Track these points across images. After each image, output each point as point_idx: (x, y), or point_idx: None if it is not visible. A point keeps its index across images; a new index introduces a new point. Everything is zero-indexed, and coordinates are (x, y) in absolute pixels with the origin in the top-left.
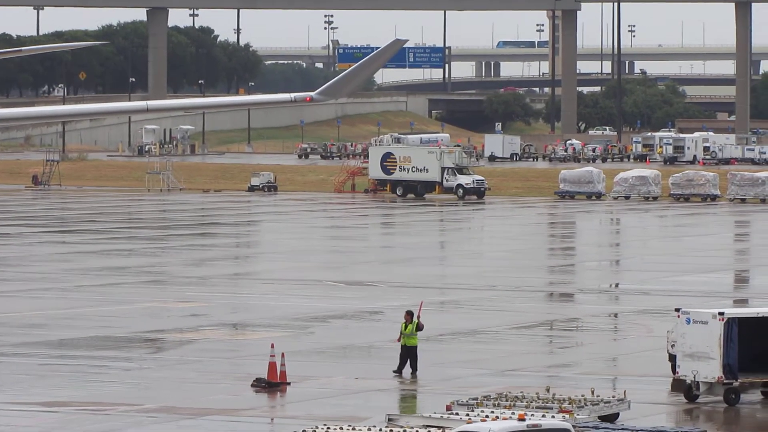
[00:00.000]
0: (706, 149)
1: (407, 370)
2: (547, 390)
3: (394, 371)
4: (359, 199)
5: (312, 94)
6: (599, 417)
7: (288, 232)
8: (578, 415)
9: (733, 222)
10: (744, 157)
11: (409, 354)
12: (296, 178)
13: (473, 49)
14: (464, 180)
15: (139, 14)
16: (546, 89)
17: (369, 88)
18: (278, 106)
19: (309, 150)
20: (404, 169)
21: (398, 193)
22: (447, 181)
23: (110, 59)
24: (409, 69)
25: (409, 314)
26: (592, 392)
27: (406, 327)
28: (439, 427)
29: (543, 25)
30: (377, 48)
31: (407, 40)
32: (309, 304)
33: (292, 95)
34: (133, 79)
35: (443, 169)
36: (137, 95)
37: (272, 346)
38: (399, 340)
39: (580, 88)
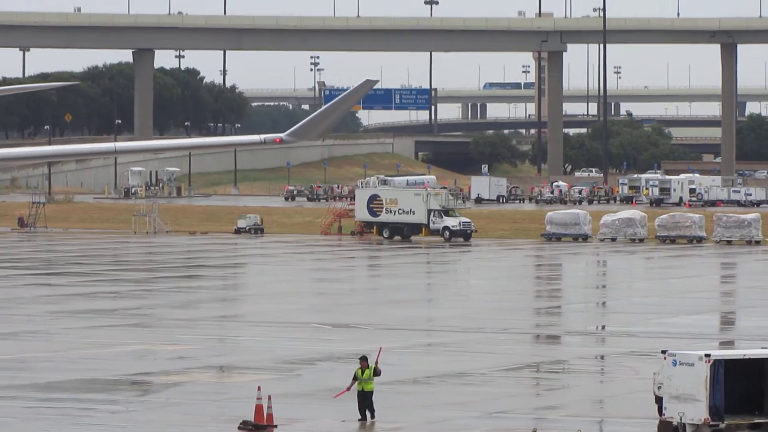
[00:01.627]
0: (692, 191)
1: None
2: None
3: (359, 419)
4: (346, 241)
5: (282, 135)
6: None
7: (275, 274)
8: None
9: (719, 264)
10: (730, 198)
11: (365, 399)
12: (283, 220)
13: (459, 91)
14: (451, 222)
15: (125, 56)
16: (532, 131)
17: (355, 130)
18: (250, 148)
19: (295, 192)
20: (391, 211)
21: (385, 236)
22: (433, 223)
23: (96, 101)
24: (395, 111)
25: (364, 360)
26: None
27: (362, 372)
28: None
29: (529, 66)
30: None
31: (377, 81)
32: (296, 347)
33: (262, 137)
34: (120, 121)
35: (430, 211)
36: (123, 137)
37: (259, 388)
38: (349, 388)
39: (566, 130)
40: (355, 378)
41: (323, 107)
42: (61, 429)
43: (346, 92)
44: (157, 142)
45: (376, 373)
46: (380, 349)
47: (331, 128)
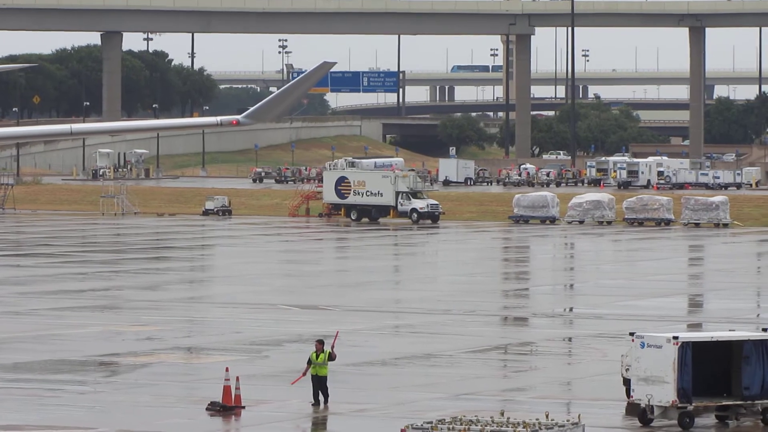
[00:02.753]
0: (660, 174)
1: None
2: (502, 414)
3: (312, 403)
4: (314, 223)
5: (238, 117)
6: None
7: (242, 256)
8: None
9: (687, 246)
10: (698, 181)
11: (319, 383)
12: (251, 202)
13: (427, 74)
14: (419, 204)
15: (94, 38)
16: (500, 113)
17: (323, 113)
18: (210, 130)
19: (263, 174)
20: (358, 194)
21: (353, 218)
22: (401, 205)
23: (64, 83)
24: (363, 93)
25: (320, 343)
26: (547, 416)
27: (317, 356)
28: None
29: (497, 49)
30: (331, 72)
31: (336, 63)
32: (263, 328)
33: (218, 118)
34: (88, 103)
35: (398, 193)
36: (92, 119)
37: (227, 369)
38: (305, 373)
39: (534, 113)
40: (309, 362)
41: (280, 89)
42: (28, 410)
43: (304, 74)
44: (113, 124)
45: (331, 357)
46: (337, 333)
47: (288, 110)
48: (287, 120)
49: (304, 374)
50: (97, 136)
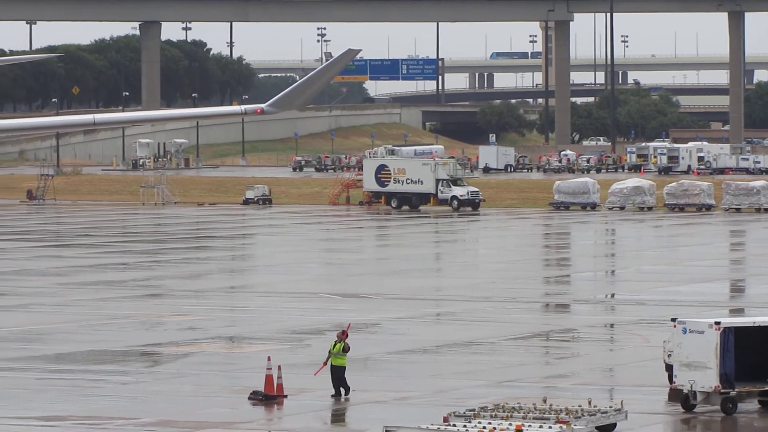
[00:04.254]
0: (700, 159)
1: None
2: (544, 401)
3: (332, 395)
4: (354, 211)
5: (263, 106)
6: (596, 427)
7: (283, 244)
8: (575, 425)
9: (729, 231)
10: (738, 166)
11: (336, 374)
12: (291, 191)
13: (466, 61)
14: (459, 191)
15: (133, 28)
16: (539, 100)
17: (362, 101)
18: (225, 119)
19: (303, 163)
20: (399, 181)
21: (393, 205)
22: (442, 192)
23: (104, 73)
24: (402, 81)
25: (342, 333)
26: (589, 403)
27: (334, 346)
28: None
29: (536, 36)
30: (370, 60)
31: (360, 50)
32: (305, 317)
33: (243, 107)
34: (127, 93)
35: (438, 180)
36: (130, 109)
37: (269, 358)
38: (325, 363)
39: (573, 99)
40: (330, 353)
41: (305, 77)
42: (71, 400)
43: (328, 62)
44: (136, 114)
45: (345, 349)
46: (349, 325)
47: (312, 98)
48: (327, 108)
49: (325, 364)
50: (120, 126)
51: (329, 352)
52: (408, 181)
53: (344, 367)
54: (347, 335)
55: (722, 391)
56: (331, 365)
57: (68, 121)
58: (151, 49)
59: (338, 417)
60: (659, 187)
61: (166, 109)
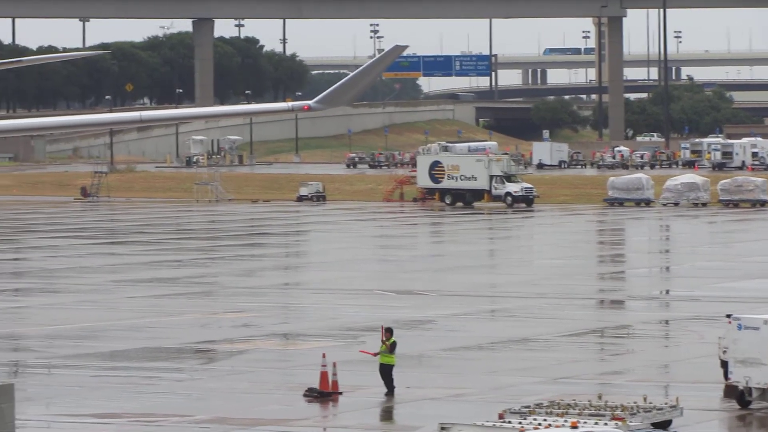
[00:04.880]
0: (754, 155)
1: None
2: (600, 397)
3: (385, 392)
4: (408, 207)
5: (310, 102)
6: (652, 424)
7: (337, 241)
8: (631, 422)
9: None
10: None
11: (383, 372)
12: (345, 188)
13: (519, 57)
14: (513, 188)
15: (185, 25)
16: (593, 96)
17: (416, 97)
18: (277, 116)
19: (357, 159)
20: (452, 178)
21: (447, 202)
22: (495, 189)
23: (157, 70)
24: (455, 77)
25: (387, 331)
26: (645, 399)
27: (382, 344)
28: None
29: (589, 31)
30: (423, 57)
31: (407, 47)
32: (360, 314)
33: (290, 104)
34: (180, 90)
35: (491, 177)
36: (184, 106)
37: (324, 355)
38: (374, 354)
39: (626, 95)
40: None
41: (352, 73)
42: (126, 398)
43: (375, 58)
44: (184, 111)
45: (391, 348)
46: (382, 327)
47: (359, 95)
48: (380, 105)
49: (374, 354)
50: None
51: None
52: (462, 177)
53: (387, 365)
54: (389, 335)
55: None
56: (380, 363)
57: (115, 119)
58: (204, 47)
59: (393, 414)
60: (713, 183)
61: (217, 106)
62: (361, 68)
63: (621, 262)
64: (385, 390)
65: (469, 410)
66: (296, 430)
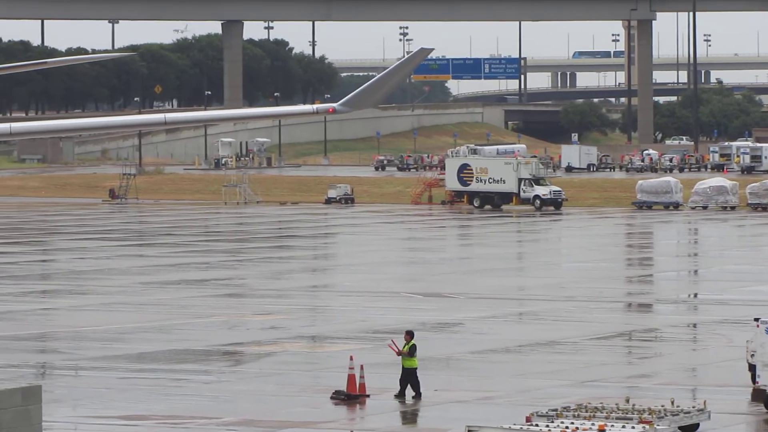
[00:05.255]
0: None
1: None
2: (627, 400)
3: (395, 395)
4: (436, 210)
5: (335, 105)
6: (679, 427)
7: (365, 244)
8: (658, 425)
9: None
10: None
11: (405, 376)
12: (373, 190)
13: (549, 60)
14: (541, 191)
15: (215, 27)
16: (622, 99)
17: (445, 100)
18: (306, 118)
19: (385, 162)
20: (481, 181)
21: (475, 205)
22: (524, 192)
23: (186, 72)
24: (484, 80)
25: (408, 334)
26: (672, 403)
27: (404, 346)
28: None
29: (619, 35)
30: (452, 59)
31: (433, 49)
32: (387, 316)
33: (315, 107)
34: (209, 92)
35: (520, 180)
36: (213, 108)
37: (351, 358)
38: (398, 352)
39: (656, 98)
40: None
41: (377, 76)
42: (153, 399)
43: (401, 61)
44: (208, 113)
45: (411, 351)
46: (392, 341)
47: (385, 97)
48: (409, 107)
49: (398, 353)
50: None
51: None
52: (490, 180)
53: (412, 369)
54: (410, 338)
55: None
56: (402, 367)
57: (139, 121)
58: (233, 49)
59: (420, 417)
60: (742, 187)
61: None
62: (386, 71)
63: (649, 265)
64: (411, 393)
65: (496, 413)
66: None
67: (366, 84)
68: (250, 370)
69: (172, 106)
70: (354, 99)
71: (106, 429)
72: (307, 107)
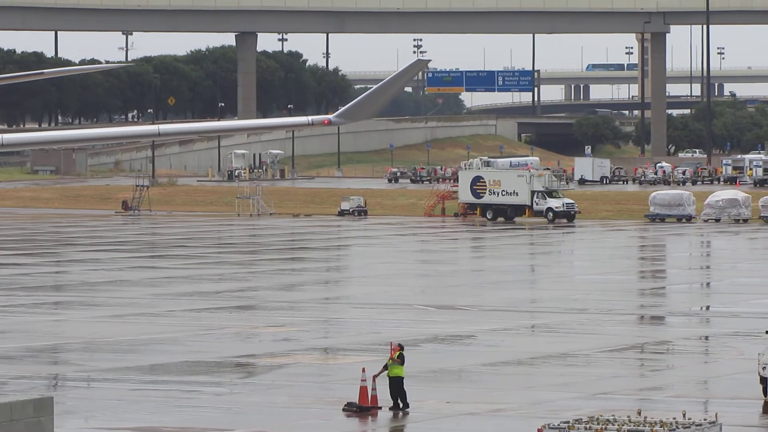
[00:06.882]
0: None
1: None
2: (639, 413)
3: (390, 407)
4: (449, 222)
5: (330, 117)
6: None
7: (378, 256)
8: None
9: None
10: None
11: (393, 386)
12: (386, 202)
13: (562, 72)
14: (554, 203)
15: (228, 39)
16: (635, 112)
17: (458, 112)
18: (315, 130)
19: (399, 174)
20: (494, 193)
21: (488, 217)
22: (537, 204)
23: (199, 84)
24: (498, 92)
25: (399, 346)
26: (684, 415)
27: (390, 359)
28: None
29: (632, 47)
30: (466, 72)
31: (430, 60)
32: (400, 328)
33: (310, 118)
34: (223, 104)
35: (533, 192)
36: (227, 119)
37: (363, 370)
38: (379, 373)
39: (669, 111)
40: (386, 366)
41: (373, 88)
42: (165, 411)
43: (397, 73)
44: (201, 125)
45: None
46: (391, 343)
47: (380, 110)
48: (422, 120)
49: (380, 371)
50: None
51: (385, 366)
52: (503, 192)
53: (399, 378)
54: (398, 349)
55: None
56: (389, 377)
57: (133, 132)
58: (247, 60)
59: (432, 429)
60: (755, 200)
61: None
62: (383, 82)
63: (661, 277)
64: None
65: (508, 425)
66: None
67: (362, 95)
68: (263, 381)
69: (186, 118)
70: (350, 110)
71: None
72: (303, 119)
